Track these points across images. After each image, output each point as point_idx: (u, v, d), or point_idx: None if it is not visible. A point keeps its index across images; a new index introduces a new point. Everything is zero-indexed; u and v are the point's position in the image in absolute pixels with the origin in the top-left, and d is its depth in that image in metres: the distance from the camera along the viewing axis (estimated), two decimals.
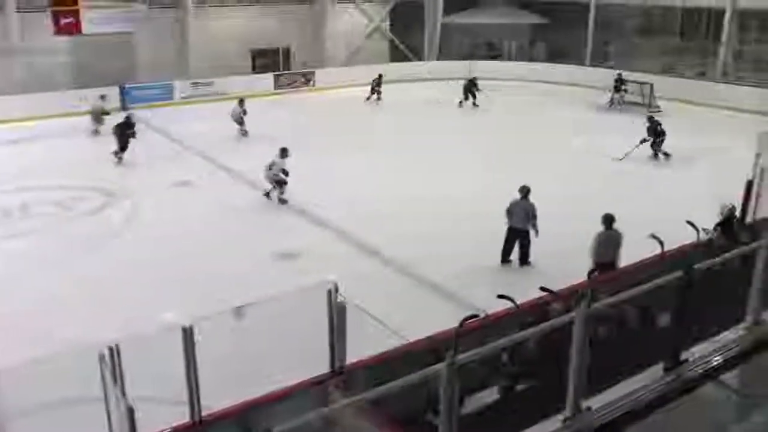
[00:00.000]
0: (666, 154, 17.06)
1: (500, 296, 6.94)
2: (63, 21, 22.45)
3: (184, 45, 25.76)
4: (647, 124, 17.15)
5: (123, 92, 23.73)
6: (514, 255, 10.93)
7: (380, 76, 25.32)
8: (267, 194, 14.17)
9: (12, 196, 14.15)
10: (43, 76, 22.43)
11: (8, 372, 6.32)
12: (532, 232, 10.77)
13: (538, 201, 10.90)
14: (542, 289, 7.39)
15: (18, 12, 22.22)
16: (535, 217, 10.69)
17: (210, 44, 25.68)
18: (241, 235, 12.39)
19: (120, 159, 16.80)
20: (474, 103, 23.87)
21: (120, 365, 4.87)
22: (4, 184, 15.01)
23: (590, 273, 7.50)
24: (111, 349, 4.86)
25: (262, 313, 8.59)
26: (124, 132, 16.96)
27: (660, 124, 17.15)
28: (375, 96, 25.09)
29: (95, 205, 14.14)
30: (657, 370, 4.93)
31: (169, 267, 11.07)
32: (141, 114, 22.52)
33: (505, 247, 10.91)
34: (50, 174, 16.03)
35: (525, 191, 10.88)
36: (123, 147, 16.83)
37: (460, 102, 24.05)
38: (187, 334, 5.05)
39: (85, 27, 22.64)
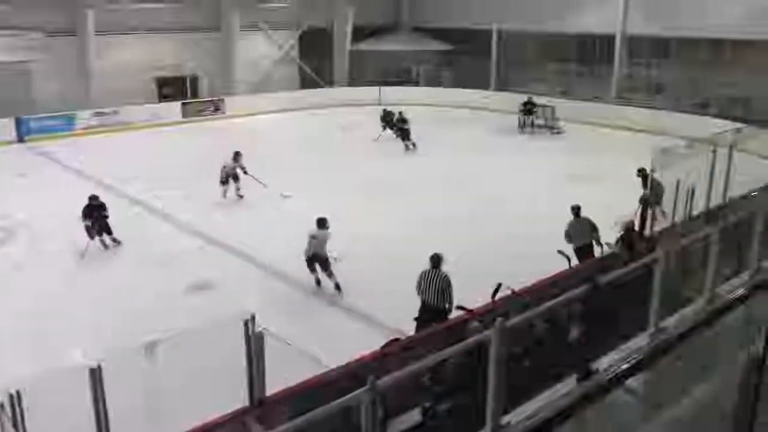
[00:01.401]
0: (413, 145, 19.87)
1: (458, 307, 7.14)
2: None
3: (86, 73, 24.82)
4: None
5: (19, 124, 22.57)
6: None
7: (401, 113, 21.86)
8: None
9: None
10: None
11: None
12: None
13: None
14: (459, 308, 7.55)
15: None
16: (597, 229, 10.47)
17: (113, 72, 24.86)
18: (152, 268, 11.96)
19: None
20: (407, 145, 20.93)
21: (22, 413, 4.59)
22: None
23: (496, 288, 7.65)
24: (11, 396, 4.57)
25: (176, 348, 8.32)
26: None
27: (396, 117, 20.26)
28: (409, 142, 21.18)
29: None
30: (570, 381, 5.12)
31: (73, 304, 10.54)
32: (40, 146, 21.66)
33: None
34: None
35: (578, 209, 10.71)
36: None
37: (379, 136, 21.85)
38: (95, 374, 4.82)
39: None
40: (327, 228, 10.96)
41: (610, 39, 26.05)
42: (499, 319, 4.53)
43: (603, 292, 5.36)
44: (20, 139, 22.46)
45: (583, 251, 10.26)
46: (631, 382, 5.18)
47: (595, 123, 24.44)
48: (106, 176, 17.73)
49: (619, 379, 5.17)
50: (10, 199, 16.17)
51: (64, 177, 18.42)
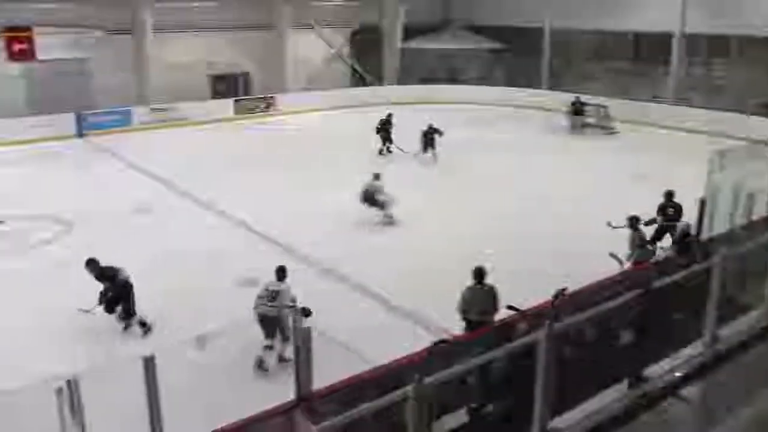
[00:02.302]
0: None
1: (508, 307, 7.03)
2: (17, 47, 22.09)
3: (143, 70, 25.49)
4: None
5: (80, 118, 23.33)
6: None
7: (390, 116, 20.59)
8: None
9: None
10: None
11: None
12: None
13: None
14: (509, 307, 7.45)
15: None
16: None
17: (168, 70, 25.46)
18: (202, 261, 12.19)
19: None
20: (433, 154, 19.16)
21: (79, 399, 4.74)
22: None
23: (557, 293, 7.57)
24: (69, 383, 4.72)
25: (225, 342, 8.49)
26: None
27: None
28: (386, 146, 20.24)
29: (51, 233, 13.78)
30: (621, 387, 5.00)
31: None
32: (99, 141, 22.38)
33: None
34: (3, 203, 15.60)
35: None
36: None
37: (381, 150, 20.14)
38: (149, 364, 4.94)
39: (40, 53, 22.33)
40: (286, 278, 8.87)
41: (667, 37, 25.34)
42: (548, 321, 4.46)
43: (657, 298, 5.22)
44: (80, 134, 23.20)
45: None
46: (686, 391, 5.03)
47: (651, 124, 23.88)
48: (160, 171, 18.20)
49: (673, 387, 5.03)
50: (69, 192, 16.73)
51: (120, 171, 18.96)
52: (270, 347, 8.52)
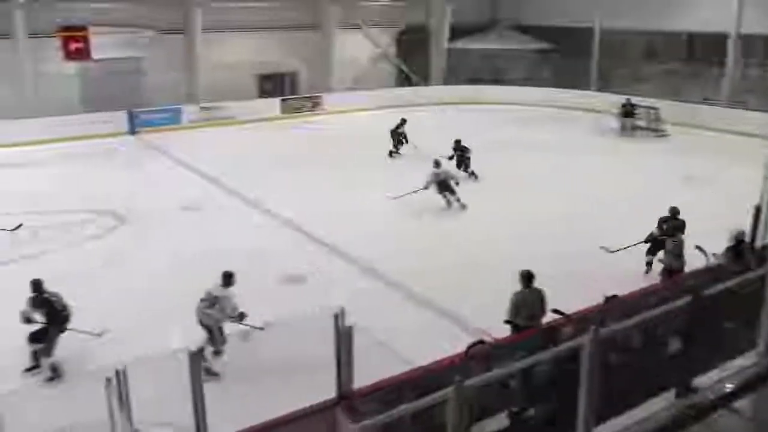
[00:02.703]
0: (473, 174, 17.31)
1: (553, 311, 6.95)
2: (73, 46, 22.81)
3: (193, 70, 26.01)
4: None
5: (132, 116, 23.94)
6: None
7: (403, 121, 20.44)
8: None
9: (20, 219, 14.20)
10: (53, 101, 22.65)
11: (14, 395, 6.30)
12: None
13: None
14: (554, 311, 7.34)
15: (30, 38, 22.48)
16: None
17: (217, 69, 25.91)
18: (247, 258, 12.35)
19: None
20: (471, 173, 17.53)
21: (127, 389, 4.85)
22: (12, 208, 15.07)
23: (608, 298, 7.44)
24: (117, 373, 4.84)
25: (267, 338, 8.58)
26: None
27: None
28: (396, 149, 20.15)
29: (104, 228, 14.16)
30: (669, 396, 4.87)
31: (174, 290, 11.05)
32: (150, 138, 22.92)
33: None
34: (59, 197, 16.12)
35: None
36: None
37: (391, 152, 20.02)
38: (194, 358, 5.03)
39: (95, 52, 23.01)
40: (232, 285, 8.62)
41: (722, 38, 24.59)
42: (593, 326, 4.38)
43: (707, 305, 5.07)
44: (132, 131, 23.80)
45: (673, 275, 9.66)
46: (737, 402, 4.87)
47: (704, 126, 23.19)
48: (208, 169, 18.53)
49: (724, 398, 4.87)
50: (121, 188, 17.18)
51: (170, 169, 19.38)
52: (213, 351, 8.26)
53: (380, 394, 5.95)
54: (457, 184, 15.09)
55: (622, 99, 24.02)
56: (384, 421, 3.74)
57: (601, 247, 11.36)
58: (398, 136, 20.09)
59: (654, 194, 15.50)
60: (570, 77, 29.08)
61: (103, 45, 23.10)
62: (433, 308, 10.27)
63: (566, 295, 7.88)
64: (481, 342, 7.63)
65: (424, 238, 13.49)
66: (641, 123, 23.43)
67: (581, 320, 6.50)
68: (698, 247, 9.10)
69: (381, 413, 3.75)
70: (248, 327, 8.45)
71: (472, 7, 31.83)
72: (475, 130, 23.98)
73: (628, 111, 23.54)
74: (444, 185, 14.98)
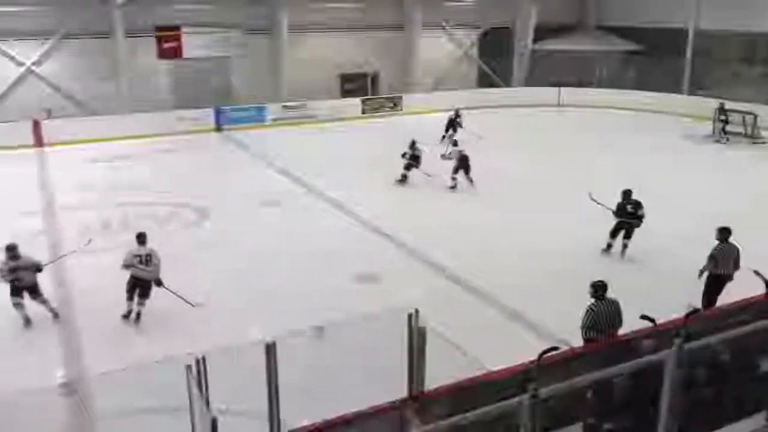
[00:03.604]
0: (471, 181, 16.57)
1: (643, 317, 6.73)
2: (166, 45, 23.87)
3: (277, 69, 26.66)
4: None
5: (218, 113, 24.78)
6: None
7: (458, 111, 22.14)
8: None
9: (112, 210, 14.95)
10: (146, 98, 23.78)
11: (104, 377, 6.63)
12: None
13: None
14: (643, 317, 7.07)
15: (127, 37, 23.68)
16: (738, 261, 9.51)
17: (301, 68, 26.46)
18: (324, 255, 12.55)
19: None
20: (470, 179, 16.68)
21: (206, 377, 5.01)
22: (104, 199, 15.91)
23: (690, 312, 7.10)
24: (198, 361, 5.01)
25: (341, 335, 8.68)
26: None
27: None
28: (449, 134, 20.99)
29: (189, 220, 14.74)
30: (759, 419, 4.61)
31: (256, 283, 11.36)
32: (235, 135, 23.65)
33: (710, 295, 9.59)
34: (148, 189, 16.88)
35: (728, 233, 9.52)
36: None
37: (443, 137, 21.03)
38: (270, 350, 5.14)
39: (186, 51, 23.99)
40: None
41: None
42: (678, 340, 4.19)
43: None
44: (218, 128, 24.64)
45: (724, 281, 9.45)
46: None
47: None
48: (289, 166, 18.93)
49: None
50: (206, 182, 17.81)
51: (253, 165, 19.93)
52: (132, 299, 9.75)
53: (451, 396, 5.92)
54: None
55: (715, 104, 22.88)
56: (455, 424, 3.70)
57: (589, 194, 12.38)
58: (454, 125, 21.64)
59: (738, 204, 14.71)
60: (658, 80, 27.94)
61: (193, 44, 24.08)
62: (508, 312, 10.12)
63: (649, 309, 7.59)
64: (555, 348, 7.44)
65: (503, 237, 13.29)
66: (738, 129, 22.23)
67: (663, 334, 6.24)
68: (757, 272, 8.25)
69: (452, 416, 3.72)
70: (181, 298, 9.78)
71: (558, 7, 31.16)
72: (551, 133, 23.57)
73: (722, 116, 22.39)
74: (464, 162, 16.28)
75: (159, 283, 9.84)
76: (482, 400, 3.79)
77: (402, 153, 17.29)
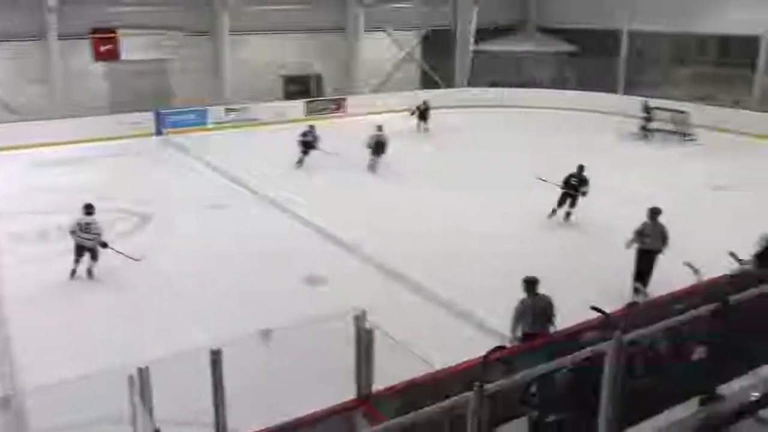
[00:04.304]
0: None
1: (593, 308, 6.87)
2: (102, 48, 23.23)
3: (219, 72, 26.26)
4: None
5: (158, 117, 24.24)
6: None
7: (425, 103, 24.86)
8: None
9: (49, 217, 14.44)
10: (82, 102, 23.05)
11: (41, 390, 6.41)
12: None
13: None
14: (593, 308, 7.24)
15: (61, 39, 22.90)
16: (667, 238, 10.44)
17: (243, 71, 26.13)
18: (269, 259, 12.45)
19: None
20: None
21: (149, 387, 4.90)
22: (42, 206, 15.35)
23: (629, 305, 7.35)
24: (140, 371, 4.89)
25: (288, 338, 8.61)
26: None
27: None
28: (422, 123, 24.48)
29: (131, 225, 14.38)
30: (692, 404, 4.80)
31: (199, 288, 11.18)
32: (176, 139, 23.19)
33: (639, 269, 10.58)
34: (87, 196, 16.34)
35: (656, 213, 10.58)
36: None
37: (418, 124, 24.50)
38: (215, 356, 5.07)
39: (123, 54, 23.38)
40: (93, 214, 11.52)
41: (753, 40, 24.17)
42: (617, 332, 4.33)
43: (734, 312, 4.98)
44: (158, 132, 24.10)
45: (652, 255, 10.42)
46: (764, 412, 4.78)
47: (734, 131, 22.81)
48: (232, 169, 18.69)
49: (750, 407, 4.78)
50: (147, 187, 17.40)
51: (195, 169, 19.58)
52: (78, 261, 11.31)
53: (399, 396, 5.95)
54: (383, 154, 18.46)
55: (646, 102, 23.71)
56: (403, 424, 3.73)
57: (537, 177, 14.43)
58: (421, 112, 24.37)
59: (674, 198, 15.25)
60: (596, 80, 28.78)
61: (131, 47, 23.49)
62: (455, 311, 10.24)
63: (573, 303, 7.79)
64: (502, 347, 7.57)
65: (447, 238, 13.44)
66: (662, 126, 23.07)
67: (603, 326, 6.43)
68: (687, 264, 8.75)
69: (400, 415, 3.74)
70: (123, 255, 11.38)
71: (499, 9, 31.67)
72: (491, 133, 24.01)
73: (646, 114, 23.24)
74: (380, 147, 18.23)
75: (104, 245, 11.31)
76: (430, 399, 3.82)
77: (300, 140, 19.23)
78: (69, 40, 22.98)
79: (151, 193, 16.60)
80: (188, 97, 25.08)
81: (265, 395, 7.60)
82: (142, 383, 4.86)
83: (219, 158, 20.10)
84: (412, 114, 24.59)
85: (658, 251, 10.45)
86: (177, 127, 24.26)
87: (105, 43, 23.19)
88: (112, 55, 23.36)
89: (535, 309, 7.87)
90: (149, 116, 23.95)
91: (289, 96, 28.06)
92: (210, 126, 25.07)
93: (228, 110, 25.57)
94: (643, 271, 10.50)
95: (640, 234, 10.51)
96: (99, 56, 23.33)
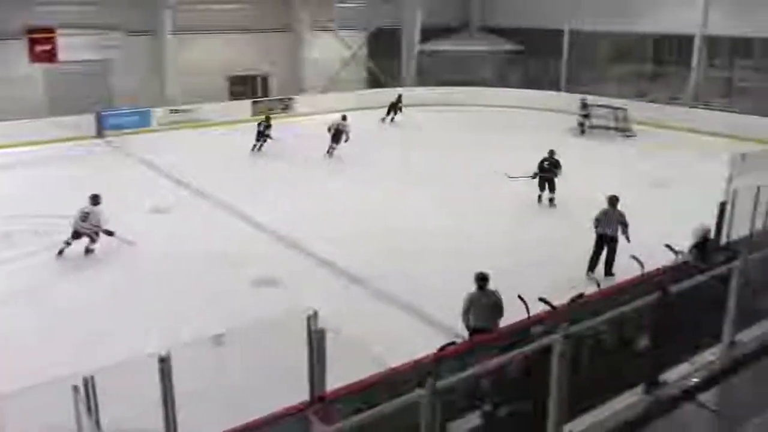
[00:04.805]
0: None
1: (541, 299, 6.99)
2: (39, 49, 22.38)
3: (162, 72, 25.72)
4: None
5: (100, 119, 23.57)
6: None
7: (399, 96, 26.38)
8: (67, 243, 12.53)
9: None
10: (19, 104, 22.19)
11: None
12: (621, 239, 11.10)
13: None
14: (541, 300, 7.39)
15: None
16: (626, 225, 11.03)
17: (188, 71, 25.65)
18: (218, 261, 12.27)
19: None
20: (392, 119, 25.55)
21: (95, 397, 4.78)
22: None
23: (575, 297, 7.52)
24: (86, 381, 4.76)
25: (240, 341, 8.52)
26: None
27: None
28: (390, 117, 25.96)
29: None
30: (638, 392, 4.96)
31: (146, 293, 10.95)
32: (119, 141, 22.60)
33: (594, 255, 11.19)
34: (28, 202, 15.79)
35: (615, 200, 11.25)
36: None
37: (383, 119, 25.78)
38: (164, 363, 4.97)
39: (62, 55, 22.61)
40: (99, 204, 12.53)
41: (688, 39, 25.09)
42: (563, 324, 4.44)
43: (674, 301, 5.17)
44: (99, 134, 23.43)
45: (609, 240, 11.07)
46: (703, 396, 4.97)
47: (671, 126, 23.63)
48: (177, 171, 18.33)
49: (690, 392, 4.97)
50: (88, 192, 16.84)
51: (138, 172, 19.12)
52: (69, 244, 12.20)
53: (353, 395, 5.95)
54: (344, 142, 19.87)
55: (585, 99, 24.34)
56: (357, 423, 3.74)
57: (505, 174, 15.51)
58: (395, 108, 25.72)
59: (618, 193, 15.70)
60: (539, 78, 29.41)
61: (70, 47, 22.71)
62: (406, 309, 10.29)
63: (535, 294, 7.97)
64: (453, 343, 7.68)
65: (396, 237, 13.49)
66: (604, 122, 23.73)
67: (551, 318, 6.58)
68: (668, 246, 9.28)
69: (354, 415, 3.75)
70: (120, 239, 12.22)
71: (443, 9, 32.00)
72: (436, 131, 24.24)
73: (584, 110, 23.87)
74: (338, 135, 19.57)
75: (110, 233, 12.29)
76: (384, 397, 3.85)
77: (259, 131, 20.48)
78: (3, 40, 22.12)
79: (87, 200, 16.08)
80: (132, 98, 24.46)
81: (217, 400, 7.49)
82: (87, 394, 4.73)
83: (163, 160, 19.69)
84: (383, 119, 25.89)
85: (615, 237, 11.06)
86: (119, 129, 23.65)
87: (42, 44, 22.37)
88: (50, 57, 22.54)
89: (481, 303, 7.99)
90: (90, 118, 23.26)
91: (235, 96, 27.71)
92: (154, 127, 24.54)
93: (172, 111, 25.09)
94: (603, 258, 11.13)
95: (599, 220, 11.18)
96: (36, 58, 22.49)
